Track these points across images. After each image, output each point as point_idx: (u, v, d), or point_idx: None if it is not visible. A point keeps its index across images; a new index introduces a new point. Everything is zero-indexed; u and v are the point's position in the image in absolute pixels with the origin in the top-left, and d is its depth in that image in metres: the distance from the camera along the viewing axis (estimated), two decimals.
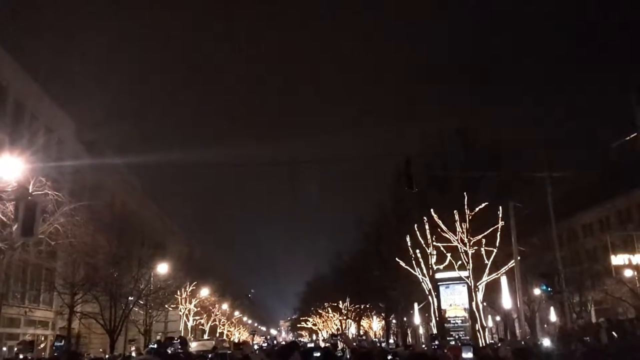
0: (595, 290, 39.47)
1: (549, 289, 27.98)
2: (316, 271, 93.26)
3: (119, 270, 33.23)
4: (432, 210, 26.66)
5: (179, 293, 46.89)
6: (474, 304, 25.97)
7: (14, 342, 30.98)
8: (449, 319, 28.88)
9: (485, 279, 25.68)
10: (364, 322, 70.99)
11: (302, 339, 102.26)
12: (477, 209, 25.24)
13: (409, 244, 29.91)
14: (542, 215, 27.13)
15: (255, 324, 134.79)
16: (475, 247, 25.43)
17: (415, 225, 28.66)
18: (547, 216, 25.90)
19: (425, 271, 29.37)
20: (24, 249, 24.97)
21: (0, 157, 18.37)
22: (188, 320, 51.25)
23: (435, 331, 30.34)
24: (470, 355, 11.50)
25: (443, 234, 26.37)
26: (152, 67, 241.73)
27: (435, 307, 29.62)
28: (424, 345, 28.19)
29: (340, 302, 67.53)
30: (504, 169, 30.70)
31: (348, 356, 18.00)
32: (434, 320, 31.93)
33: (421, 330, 55.44)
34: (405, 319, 52.05)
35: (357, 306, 64.26)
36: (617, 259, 31.42)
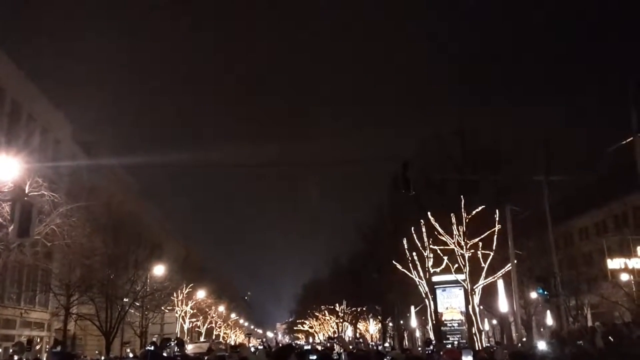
0: (592, 294, 39.50)
1: (546, 292, 27.94)
2: (313, 274, 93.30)
3: (115, 272, 33.17)
4: (429, 213, 26.67)
5: (175, 295, 46.80)
6: (470, 307, 25.97)
7: (10, 344, 30.90)
8: (445, 322, 28.84)
9: (482, 282, 25.68)
10: (361, 325, 70.92)
11: (298, 342, 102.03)
12: (474, 212, 25.26)
13: (405, 246, 29.92)
14: (538, 219, 27.11)
15: (252, 327, 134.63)
16: (472, 251, 25.43)
17: (412, 228, 28.66)
18: (543, 220, 25.87)
19: (422, 274, 29.37)
20: (20, 250, 24.85)
21: None
22: (184, 322, 51.16)
23: (432, 334, 30.31)
24: (470, 359, 11.50)
25: (440, 237, 26.38)
26: (150, 68, 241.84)
27: (432, 310, 29.59)
28: (420, 349, 28.22)
29: (337, 304, 67.45)
30: (502, 172, 30.73)
31: (344, 358, 18.01)
32: (430, 324, 31.90)
33: (418, 334, 55.41)
34: (402, 322, 52.02)
35: (353, 309, 64.20)
36: (613, 263, 31.36)
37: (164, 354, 15.82)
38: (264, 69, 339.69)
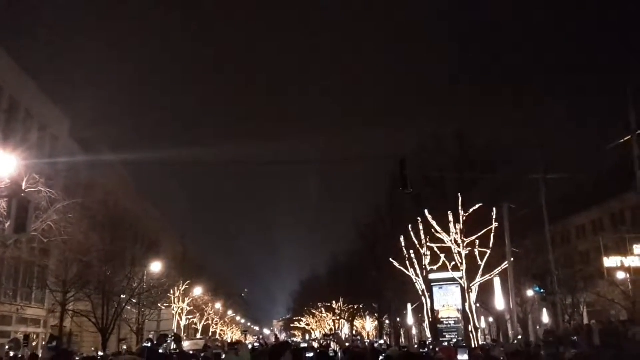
0: (588, 292, 39.62)
1: (542, 290, 28.11)
2: (311, 271, 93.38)
3: (112, 269, 33.08)
4: (426, 211, 26.69)
5: (172, 292, 46.78)
6: (467, 305, 26.00)
7: (6, 340, 30.83)
8: (442, 319, 28.91)
9: (479, 280, 25.72)
10: (358, 323, 71.03)
11: (295, 339, 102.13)
12: (471, 210, 25.29)
13: (403, 244, 29.95)
14: (535, 217, 27.18)
15: (249, 324, 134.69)
16: (469, 248, 25.47)
17: (410, 225, 28.69)
18: (540, 218, 25.95)
19: (418, 272, 29.41)
20: (16, 246, 24.78)
21: None
22: (181, 319, 51.12)
23: (428, 332, 30.37)
24: (465, 357, 11.47)
25: (437, 235, 26.41)
26: (148, 65, 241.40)
27: (429, 307, 29.65)
28: (416, 346, 28.26)
29: (334, 302, 67.56)
30: (499, 170, 30.77)
31: (340, 356, 18.01)
32: (427, 321, 31.95)
33: (414, 331, 55.53)
34: (398, 319, 52.12)
35: (350, 306, 64.32)
36: (610, 261, 31.49)
37: (161, 351, 15.80)
38: (264, 69, 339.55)
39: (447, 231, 26.01)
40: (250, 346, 33.83)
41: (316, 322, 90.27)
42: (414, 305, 41.09)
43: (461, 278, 26.03)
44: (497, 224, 24.58)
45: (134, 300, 38.10)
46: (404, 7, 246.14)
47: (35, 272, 35.70)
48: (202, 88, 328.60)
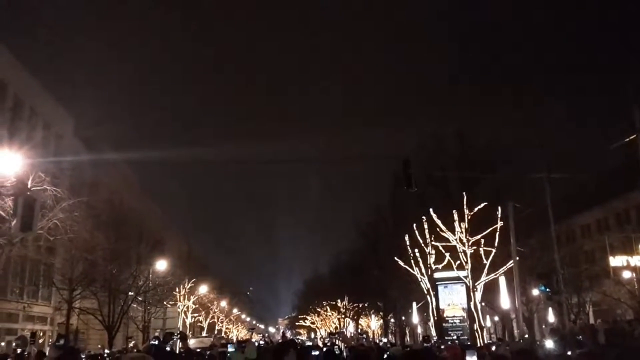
0: (594, 291, 39.47)
1: (548, 289, 27.97)
2: (315, 270, 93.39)
3: (118, 267, 33.24)
4: (431, 209, 26.65)
5: (177, 290, 46.92)
6: (472, 303, 25.95)
7: (13, 337, 31.02)
8: (447, 318, 28.84)
9: (484, 279, 25.65)
10: (363, 321, 71.01)
11: (300, 337, 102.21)
12: (476, 209, 25.22)
13: (407, 243, 29.92)
14: (541, 216, 27.10)
15: (254, 322, 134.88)
16: (474, 247, 25.40)
17: (414, 224, 28.65)
18: (546, 217, 25.86)
19: (423, 270, 29.37)
20: (22, 245, 24.95)
21: None
22: (186, 317, 51.25)
23: (433, 331, 30.33)
24: (474, 359, 11.35)
25: (442, 234, 26.35)
26: (152, 65, 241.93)
27: (434, 306, 29.61)
28: (420, 339, 28.22)
29: (339, 300, 67.57)
30: (503, 169, 30.70)
31: (345, 354, 18.01)
32: (432, 320, 31.89)
33: (419, 330, 55.49)
34: (403, 318, 52.10)
35: (355, 305, 64.30)
36: (616, 261, 31.42)
37: (167, 348, 15.83)
38: (264, 69, 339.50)
39: (452, 230, 25.96)
40: (256, 344, 33.91)
41: (321, 321, 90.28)
42: (419, 304, 41.01)
43: (466, 277, 25.96)
44: (502, 222, 24.51)
45: (140, 298, 38.24)
46: (404, 7, 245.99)
47: (41, 270, 35.92)
48: (202, 88, 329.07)
